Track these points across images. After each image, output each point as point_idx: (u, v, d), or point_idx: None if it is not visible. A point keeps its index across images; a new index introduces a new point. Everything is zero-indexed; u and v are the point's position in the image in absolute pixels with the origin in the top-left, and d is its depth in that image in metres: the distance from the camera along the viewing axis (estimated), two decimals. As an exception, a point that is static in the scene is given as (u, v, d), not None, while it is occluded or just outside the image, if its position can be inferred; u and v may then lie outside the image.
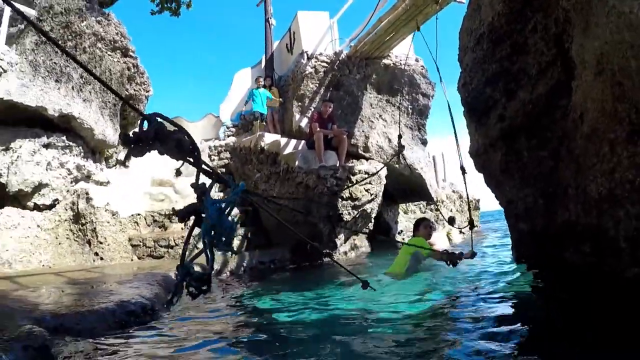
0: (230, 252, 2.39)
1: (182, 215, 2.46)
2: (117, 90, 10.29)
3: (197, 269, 2.32)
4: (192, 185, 2.34)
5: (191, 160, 2.27)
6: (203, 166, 2.36)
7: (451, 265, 6.30)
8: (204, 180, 2.39)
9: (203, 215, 2.33)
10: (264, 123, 14.24)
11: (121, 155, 11.87)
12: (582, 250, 3.86)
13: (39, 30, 1.79)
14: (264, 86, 14.71)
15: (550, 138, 4.47)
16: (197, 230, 2.27)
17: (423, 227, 7.10)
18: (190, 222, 2.30)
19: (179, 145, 2.18)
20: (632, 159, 2.84)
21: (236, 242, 10.90)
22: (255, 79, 15.29)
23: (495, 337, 3.12)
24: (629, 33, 2.68)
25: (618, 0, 2.81)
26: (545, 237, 4.86)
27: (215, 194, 10.47)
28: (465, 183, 6.80)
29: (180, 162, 2.35)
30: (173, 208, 11.14)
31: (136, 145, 2.13)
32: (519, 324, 3.39)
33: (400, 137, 9.29)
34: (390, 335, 3.49)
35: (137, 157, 2.19)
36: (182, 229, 10.63)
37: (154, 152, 2.21)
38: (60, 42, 8.32)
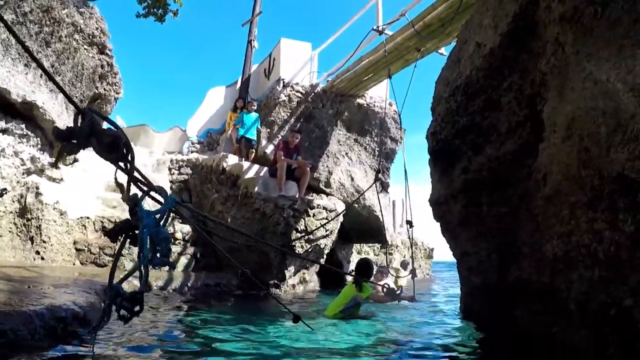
0: (167, 267, 2.24)
1: (114, 233, 2.32)
2: (87, 87, 10.21)
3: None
4: (123, 198, 2.22)
5: (123, 166, 2.15)
6: (136, 174, 2.25)
7: (395, 300, 6.23)
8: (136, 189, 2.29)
9: (137, 231, 2.20)
10: (253, 150, 13.47)
11: (83, 155, 11.58)
12: (533, 309, 3.87)
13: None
14: (236, 109, 14.68)
15: (512, 195, 4.49)
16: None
17: (378, 272, 7.11)
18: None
19: (114, 144, 2.07)
20: (590, 224, 2.86)
21: (184, 261, 10.72)
22: (248, 101, 14.72)
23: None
24: (603, 100, 2.70)
25: (596, 67, 2.83)
26: (497, 292, 4.86)
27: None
28: (410, 236, 6.89)
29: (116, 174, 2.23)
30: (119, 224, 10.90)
31: (69, 141, 2.01)
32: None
33: (378, 171, 9.32)
34: None
35: (71, 154, 2.09)
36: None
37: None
38: (37, 26, 8.12)
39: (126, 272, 2.33)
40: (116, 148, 2.04)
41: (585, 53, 3.00)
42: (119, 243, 2.15)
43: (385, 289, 6.27)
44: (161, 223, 2.15)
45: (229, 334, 5.21)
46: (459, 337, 5.68)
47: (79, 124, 1.95)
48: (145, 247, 2.04)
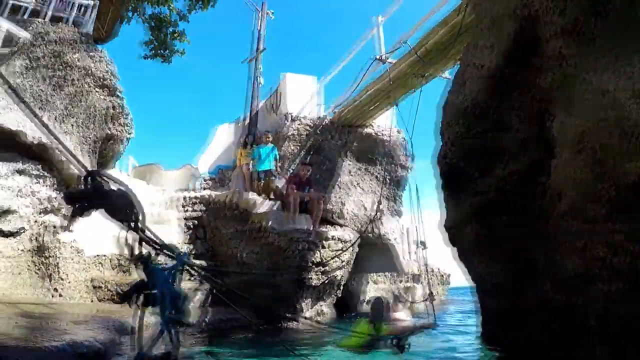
0: (185, 326, 2.23)
1: (128, 295, 2.31)
2: (99, 127, 10.36)
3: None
4: (132, 259, 2.24)
5: (131, 225, 2.18)
6: (148, 233, 2.27)
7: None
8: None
9: (152, 291, 2.20)
10: (274, 178, 12.98)
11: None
12: (552, 328, 3.83)
13: None
14: (246, 145, 14.74)
15: (524, 215, 4.47)
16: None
17: (394, 302, 7.02)
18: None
19: (122, 204, 2.11)
20: (609, 236, 2.85)
21: (200, 296, 10.71)
22: (263, 133, 14.19)
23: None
24: (611, 111, 2.72)
25: (597, 78, 2.87)
26: (514, 314, 4.81)
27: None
28: (424, 257, 6.85)
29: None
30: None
31: (80, 203, 2.06)
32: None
33: (379, 203, 9.31)
34: None
35: (81, 217, 2.11)
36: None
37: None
38: (50, 70, 8.30)
39: (154, 339, 2.32)
40: (124, 207, 2.09)
41: (586, 64, 3.03)
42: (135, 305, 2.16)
43: (393, 342, 6.05)
44: (170, 279, 2.18)
45: None
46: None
47: (88, 185, 2.01)
48: (166, 303, 2.06)
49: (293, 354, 3.64)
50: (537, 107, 4.13)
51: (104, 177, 2.13)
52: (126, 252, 2.27)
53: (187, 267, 2.61)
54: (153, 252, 2.31)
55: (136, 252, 2.23)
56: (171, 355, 2.08)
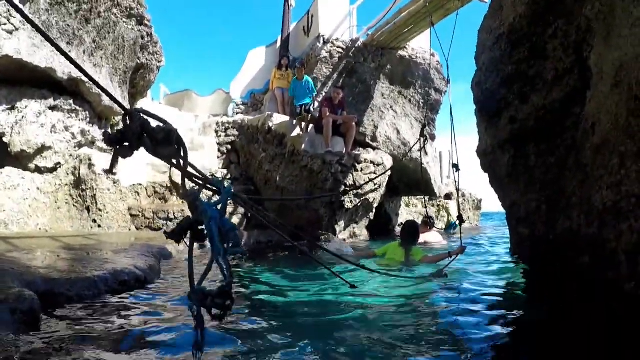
0: (241, 255, 2.27)
1: (177, 234, 2.33)
2: (129, 58, 10.35)
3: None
4: (181, 196, 2.25)
5: (175, 163, 2.17)
6: (190, 170, 2.27)
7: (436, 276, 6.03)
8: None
9: (200, 227, 2.22)
10: (308, 114, 12.18)
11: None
12: (581, 261, 3.83)
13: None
14: (281, 67, 14.60)
15: (560, 145, 4.42)
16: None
17: (422, 224, 7.07)
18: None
19: (167, 140, 2.08)
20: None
21: (235, 220, 10.88)
22: (296, 67, 13.53)
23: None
24: (651, 47, 2.62)
25: (641, 12, 2.74)
26: (545, 243, 4.82)
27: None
28: (457, 180, 6.79)
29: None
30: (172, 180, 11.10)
31: (121, 144, 2.04)
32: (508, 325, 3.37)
33: (424, 126, 9.17)
34: (373, 326, 3.42)
35: (125, 157, 2.08)
36: (182, 202, 10.62)
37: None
38: (75, 4, 8.22)
39: (204, 271, 2.34)
40: (169, 144, 2.05)
41: (632, -2, 2.90)
42: (184, 243, 2.18)
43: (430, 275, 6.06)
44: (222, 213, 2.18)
45: (282, 282, 5.49)
46: (510, 277, 5.73)
47: (128, 125, 1.97)
48: (216, 239, 2.06)
49: (329, 270, 3.69)
50: (576, 37, 3.99)
51: (147, 114, 2.11)
52: (174, 190, 2.29)
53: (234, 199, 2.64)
54: (196, 188, 2.33)
55: (185, 189, 2.24)
56: (226, 288, 2.11)
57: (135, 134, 1.95)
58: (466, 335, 3.03)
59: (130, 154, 2.04)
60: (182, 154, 2.11)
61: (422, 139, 9.02)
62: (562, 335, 3.07)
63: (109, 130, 1.89)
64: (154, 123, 1.96)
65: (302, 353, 2.64)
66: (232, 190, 2.44)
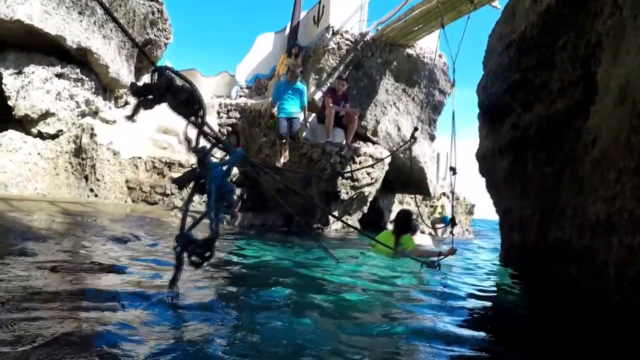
0: (228, 216, 2.38)
1: (181, 181, 2.46)
2: (138, 33, 10.38)
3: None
4: (193, 149, 2.34)
5: (194, 120, 2.27)
6: (205, 129, 2.37)
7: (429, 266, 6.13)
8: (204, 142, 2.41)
9: (202, 180, 2.33)
10: (286, 142, 10.73)
11: (122, 111, 11.75)
12: (569, 272, 3.91)
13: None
14: (291, 54, 14.44)
15: (558, 156, 4.50)
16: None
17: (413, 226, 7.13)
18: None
19: (189, 99, 2.18)
20: (635, 190, 2.87)
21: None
22: (291, 61, 12.66)
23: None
24: (657, 67, 2.69)
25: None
26: (535, 251, 4.91)
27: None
28: (452, 183, 6.89)
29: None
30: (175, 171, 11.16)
31: (146, 96, 2.14)
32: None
33: (415, 129, 9.26)
34: (359, 309, 3.47)
35: (147, 109, 2.17)
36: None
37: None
38: (89, -23, 8.27)
39: (195, 220, 2.45)
40: (191, 103, 2.16)
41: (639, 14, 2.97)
42: (186, 190, 2.31)
43: (425, 255, 6.18)
44: (226, 175, 2.27)
45: (276, 258, 5.61)
46: (498, 279, 5.83)
47: (155, 81, 2.06)
48: (213, 196, 2.16)
49: (327, 252, 3.79)
50: (585, 51, 4.07)
51: (175, 73, 2.21)
52: (185, 145, 2.38)
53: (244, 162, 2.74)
54: (208, 146, 2.43)
55: (197, 145, 2.34)
56: (209, 242, 2.21)
57: (161, 89, 2.05)
58: (450, 332, 3.08)
59: (152, 106, 2.15)
60: (200, 113, 2.22)
61: (411, 140, 9.13)
62: (549, 335, 3.15)
63: (137, 82, 2.00)
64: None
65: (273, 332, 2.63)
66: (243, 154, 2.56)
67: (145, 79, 12.94)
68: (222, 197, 2.21)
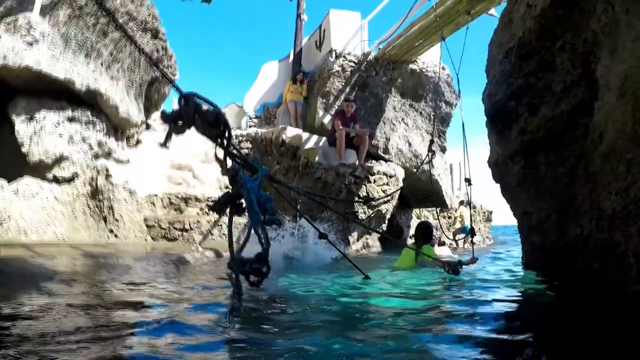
0: (277, 224, 2.39)
1: (218, 206, 2.52)
2: (145, 72, 10.54)
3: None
4: (224, 172, 2.42)
5: (219, 141, 2.36)
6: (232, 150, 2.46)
7: (452, 272, 6.16)
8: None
9: (239, 201, 2.40)
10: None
11: (145, 137, 11.90)
12: (592, 267, 3.92)
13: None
14: (296, 81, 14.77)
15: (569, 156, 4.52)
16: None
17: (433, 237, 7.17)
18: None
19: (216, 122, 2.27)
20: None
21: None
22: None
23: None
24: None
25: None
26: (556, 251, 4.91)
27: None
28: (469, 194, 6.89)
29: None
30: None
31: (176, 123, 2.23)
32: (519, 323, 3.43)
33: (432, 142, 9.31)
34: (384, 326, 3.47)
35: (178, 134, 2.27)
36: (197, 214, 10.76)
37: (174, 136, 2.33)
38: (93, 17, 8.42)
39: (243, 241, 2.47)
40: (217, 125, 2.25)
41: (635, 11, 3.01)
42: (221, 215, 2.38)
43: (446, 265, 6.18)
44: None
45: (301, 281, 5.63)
46: (521, 285, 5.79)
47: (183, 107, 2.16)
48: (255, 207, 2.21)
49: (356, 267, 3.81)
50: (583, 49, 4.11)
51: (200, 98, 2.30)
52: (218, 164, 2.46)
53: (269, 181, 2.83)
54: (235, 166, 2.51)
55: (226, 165, 2.42)
56: (263, 255, 2.24)
57: (189, 114, 2.14)
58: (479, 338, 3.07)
59: (183, 131, 2.24)
60: (226, 135, 2.30)
61: (429, 154, 9.15)
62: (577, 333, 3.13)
63: (166, 110, 2.12)
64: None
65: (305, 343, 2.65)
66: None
67: (155, 116, 13.08)
68: (263, 207, 2.26)
